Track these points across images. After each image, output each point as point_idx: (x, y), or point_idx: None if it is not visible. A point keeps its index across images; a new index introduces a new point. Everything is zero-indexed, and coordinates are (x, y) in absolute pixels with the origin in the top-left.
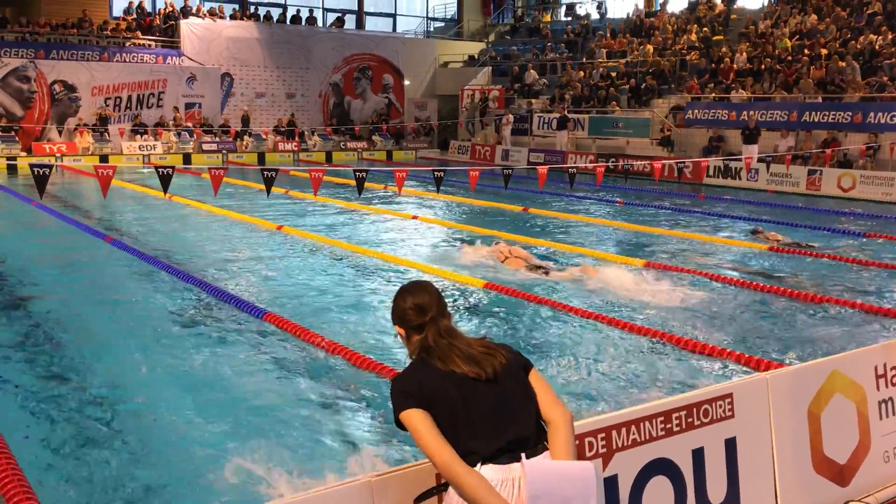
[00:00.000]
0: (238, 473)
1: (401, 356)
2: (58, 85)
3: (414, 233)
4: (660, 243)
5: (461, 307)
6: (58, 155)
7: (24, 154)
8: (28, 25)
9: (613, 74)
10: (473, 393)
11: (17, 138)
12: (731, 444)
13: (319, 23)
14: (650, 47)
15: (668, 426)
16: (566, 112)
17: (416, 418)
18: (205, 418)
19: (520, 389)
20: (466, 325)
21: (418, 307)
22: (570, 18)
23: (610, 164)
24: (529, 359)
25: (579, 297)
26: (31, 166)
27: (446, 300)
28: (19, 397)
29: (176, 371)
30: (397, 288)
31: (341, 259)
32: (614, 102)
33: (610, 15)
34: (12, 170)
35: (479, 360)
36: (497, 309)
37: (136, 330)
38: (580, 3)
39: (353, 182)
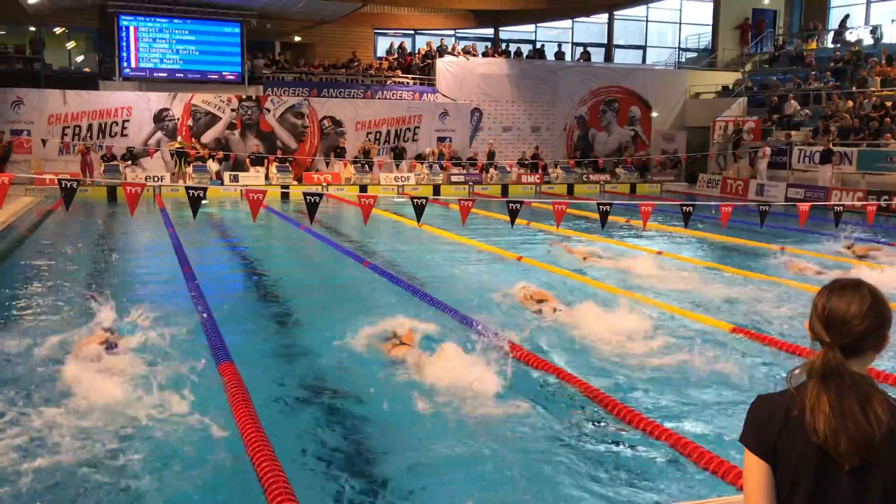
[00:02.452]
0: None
1: (627, 389)
2: (327, 120)
3: (658, 269)
4: None
5: (706, 352)
6: (324, 184)
7: (295, 183)
8: (304, 67)
9: (889, 104)
10: (827, 481)
11: (290, 168)
12: None
13: (567, 57)
14: None
15: None
16: (831, 145)
17: (755, 470)
18: (448, 439)
19: (878, 488)
20: (711, 378)
21: (828, 320)
22: (838, 45)
23: (882, 201)
24: None
25: None
26: (305, 194)
27: (693, 343)
28: (277, 404)
29: (419, 389)
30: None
31: (579, 292)
32: (888, 135)
33: (886, 40)
34: (285, 197)
35: (858, 442)
36: (749, 357)
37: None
38: (851, 28)
39: (596, 215)
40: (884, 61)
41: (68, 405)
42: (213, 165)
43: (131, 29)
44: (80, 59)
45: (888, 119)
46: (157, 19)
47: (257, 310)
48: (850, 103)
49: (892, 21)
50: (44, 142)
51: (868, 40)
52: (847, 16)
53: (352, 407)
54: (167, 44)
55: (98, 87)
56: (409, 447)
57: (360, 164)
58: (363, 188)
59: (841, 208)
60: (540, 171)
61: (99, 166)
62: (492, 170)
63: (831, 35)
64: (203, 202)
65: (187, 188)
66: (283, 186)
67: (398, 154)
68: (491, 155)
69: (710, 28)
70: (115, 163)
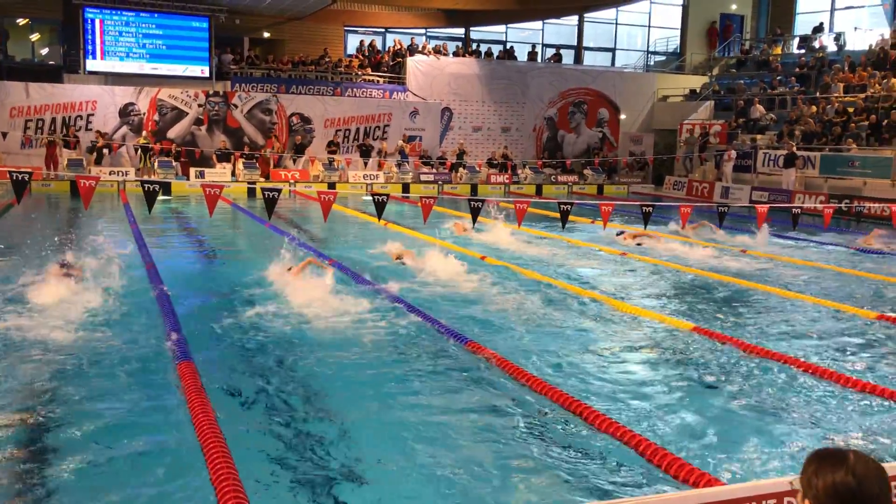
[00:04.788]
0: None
1: (595, 390)
2: (295, 117)
3: (621, 269)
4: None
5: (669, 350)
6: (291, 182)
7: (262, 179)
8: (273, 63)
9: (851, 110)
10: None
11: (257, 165)
12: None
13: (538, 58)
14: (895, 81)
15: None
16: (795, 149)
17: None
18: (411, 446)
19: None
20: (674, 371)
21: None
22: (803, 51)
23: (843, 205)
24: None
25: (810, 347)
26: (263, 190)
27: (655, 342)
28: (237, 402)
29: (382, 390)
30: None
31: (541, 291)
32: (850, 140)
33: (849, 47)
34: (252, 193)
35: None
36: (708, 356)
37: (345, 349)
38: (816, 35)
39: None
40: (846, 68)
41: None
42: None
43: (97, 22)
44: (44, 51)
45: (853, 124)
46: (124, 13)
47: (211, 295)
48: (814, 108)
49: (855, 29)
50: (3, 135)
51: (832, 47)
52: (822, 24)
53: (298, 410)
54: (134, 37)
55: (62, 80)
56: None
57: (328, 162)
58: (331, 185)
59: (798, 210)
60: (509, 171)
61: (63, 160)
62: (461, 169)
63: (797, 41)
64: (167, 198)
65: (142, 182)
66: (248, 183)
67: (365, 152)
68: (460, 154)
69: (678, 32)
70: (78, 157)
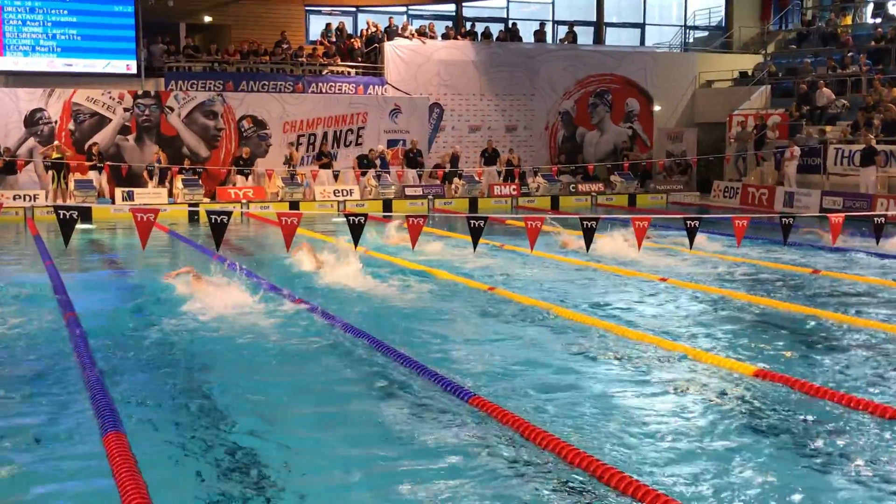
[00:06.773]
0: None
1: (622, 457)
2: (246, 121)
3: (663, 300)
4: None
5: (731, 403)
6: (244, 201)
7: (207, 200)
8: (217, 54)
9: None
10: None
11: (200, 182)
12: None
13: (548, 38)
14: None
15: None
16: (874, 142)
17: None
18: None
19: None
20: (739, 435)
21: None
22: (879, 20)
23: None
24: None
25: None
26: (209, 214)
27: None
28: (167, 441)
29: (352, 443)
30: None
31: (564, 331)
32: None
33: None
34: (193, 217)
35: None
36: (774, 407)
37: (314, 394)
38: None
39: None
40: None
41: None
42: (99, 178)
43: None
44: None
45: None
46: None
47: (147, 355)
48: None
49: None
50: None
51: None
52: None
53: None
54: (41, 26)
55: None
56: None
57: (289, 177)
58: (293, 205)
59: (883, 220)
60: (517, 180)
61: None
62: (456, 180)
63: (870, 8)
64: (89, 227)
65: (56, 208)
66: (190, 205)
67: (368, 163)
68: (454, 161)
69: (723, 1)
70: None
